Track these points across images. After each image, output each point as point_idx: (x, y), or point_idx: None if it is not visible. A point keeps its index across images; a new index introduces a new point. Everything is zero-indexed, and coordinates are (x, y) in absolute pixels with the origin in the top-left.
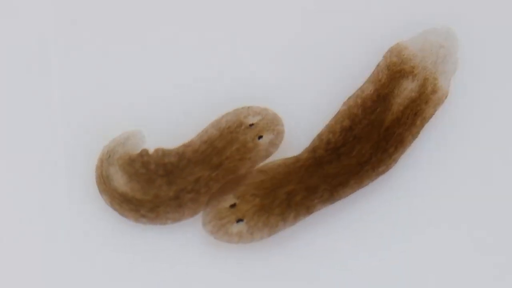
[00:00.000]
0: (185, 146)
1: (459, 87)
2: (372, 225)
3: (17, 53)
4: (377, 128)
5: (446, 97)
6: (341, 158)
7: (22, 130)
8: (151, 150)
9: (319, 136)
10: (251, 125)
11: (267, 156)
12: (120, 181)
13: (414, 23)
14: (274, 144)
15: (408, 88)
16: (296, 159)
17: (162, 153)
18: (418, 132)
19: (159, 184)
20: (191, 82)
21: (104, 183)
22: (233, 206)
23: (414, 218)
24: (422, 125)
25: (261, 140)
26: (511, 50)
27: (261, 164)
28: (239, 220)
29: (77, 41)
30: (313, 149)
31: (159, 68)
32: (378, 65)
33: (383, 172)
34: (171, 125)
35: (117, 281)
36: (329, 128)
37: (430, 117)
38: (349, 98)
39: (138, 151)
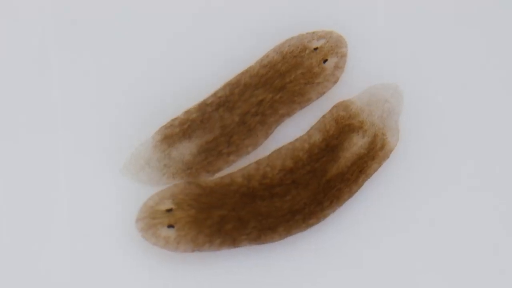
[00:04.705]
0: (241, 74)
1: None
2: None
3: (17, 53)
4: (319, 178)
5: (391, 152)
6: (274, 198)
7: (21, 130)
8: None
9: (257, 163)
10: (315, 49)
11: (335, 80)
12: (186, 151)
13: None
14: (339, 68)
15: (358, 144)
16: (231, 180)
17: (202, 103)
18: (356, 191)
19: (219, 116)
20: (192, 82)
21: (178, 169)
22: (169, 210)
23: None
24: (362, 183)
25: (326, 64)
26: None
27: (202, 178)
28: (170, 226)
29: (77, 41)
30: (248, 177)
31: (160, 68)
32: (323, 116)
33: (313, 224)
34: None
35: (117, 282)
36: (269, 161)
37: (373, 173)
38: (295, 140)
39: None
